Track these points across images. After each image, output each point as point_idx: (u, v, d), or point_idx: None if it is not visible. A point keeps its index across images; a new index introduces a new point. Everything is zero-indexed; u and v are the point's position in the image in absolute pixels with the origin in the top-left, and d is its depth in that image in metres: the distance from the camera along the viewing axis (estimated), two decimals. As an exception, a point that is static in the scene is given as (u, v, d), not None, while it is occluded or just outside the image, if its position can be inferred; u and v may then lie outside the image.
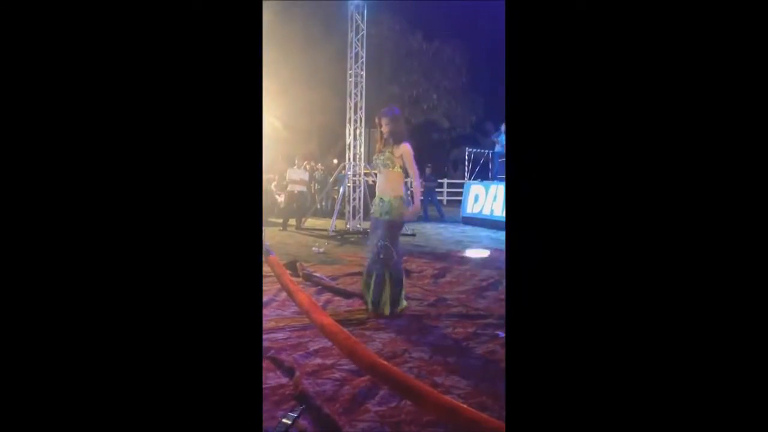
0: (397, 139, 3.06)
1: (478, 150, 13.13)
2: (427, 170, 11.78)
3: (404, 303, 3.23)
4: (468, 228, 9.32)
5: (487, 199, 9.57)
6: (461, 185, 12.45)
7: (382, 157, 3.07)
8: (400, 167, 3.07)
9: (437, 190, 14.53)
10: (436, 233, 8.43)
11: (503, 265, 5.30)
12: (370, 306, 3.15)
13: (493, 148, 11.82)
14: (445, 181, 17.78)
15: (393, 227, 3.05)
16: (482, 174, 13.08)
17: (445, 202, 16.49)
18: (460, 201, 11.53)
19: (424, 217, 11.14)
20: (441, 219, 10.90)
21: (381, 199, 3.09)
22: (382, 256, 3.03)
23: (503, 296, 3.87)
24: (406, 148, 3.05)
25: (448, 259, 5.62)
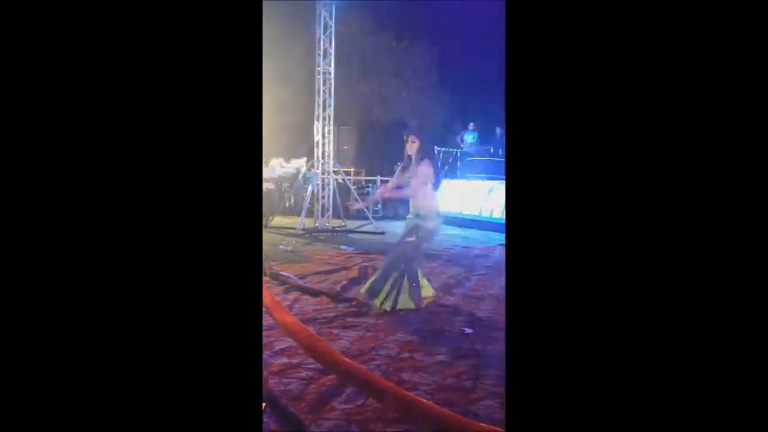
0: (422, 156, 3.21)
1: (447, 149, 13.25)
2: (397, 169, 11.81)
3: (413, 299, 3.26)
4: (437, 226, 9.36)
5: (455, 197, 9.66)
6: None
7: (408, 174, 3.22)
8: (431, 183, 3.20)
9: (407, 188, 14.58)
10: (405, 231, 8.45)
11: (471, 262, 5.35)
12: (378, 303, 3.20)
13: (460, 148, 11.94)
14: (415, 179, 17.81)
15: (425, 238, 3.23)
16: (451, 173, 13.21)
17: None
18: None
19: (394, 215, 11.16)
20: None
21: (417, 214, 3.21)
22: (405, 262, 3.18)
23: (471, 293, 3.91)
24: (427, 164, 3.19)
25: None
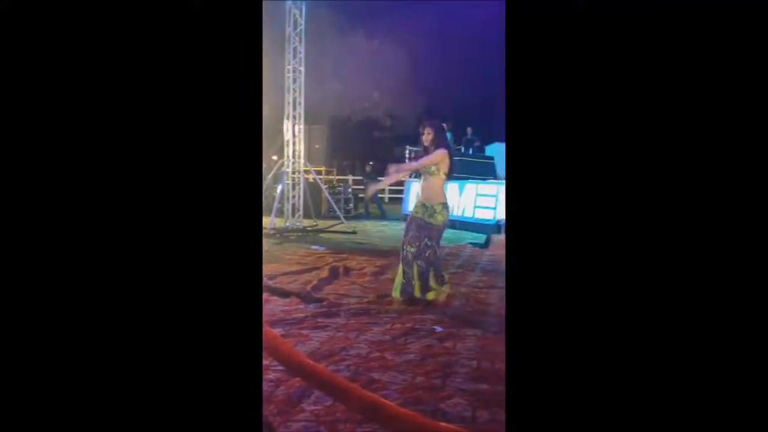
0: (438, 146, 3.33)
1: (419, 149, 13.32)
2: (368, 168, 11.80)
3: (443, 289, 3.41)
4: (409, 225, 9.40)
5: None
6: (403, 183, 12.57)
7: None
8: (444, 173, 3.33)
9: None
10: (377, 231, 8.45)
11: (442, 262, 5.39)
12: (400, 294, 3.37)
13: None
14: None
15: (437, 231, 3.35)
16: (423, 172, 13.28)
17: (386, 200, 16.58)
18: (401, 198, 11.63)
19: (365, 215, 11.15)
20: (382, 216, 10.94)
21: (424, 204, 3.37)
22: (428, 255, 3.31)
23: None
24: (443, 151, 3.33)
25: (389, 256, 5.64)
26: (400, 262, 3.45)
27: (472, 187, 8.50)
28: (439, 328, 2.89)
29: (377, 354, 2.42)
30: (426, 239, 3.33)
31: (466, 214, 8.55)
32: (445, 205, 3.39)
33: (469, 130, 11.40)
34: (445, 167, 3.32)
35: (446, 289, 3.45)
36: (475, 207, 8.34)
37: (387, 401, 1.60)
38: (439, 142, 3.36)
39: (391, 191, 17.50)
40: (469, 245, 6.77)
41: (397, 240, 7.19)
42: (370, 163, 12.15)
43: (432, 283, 3.37)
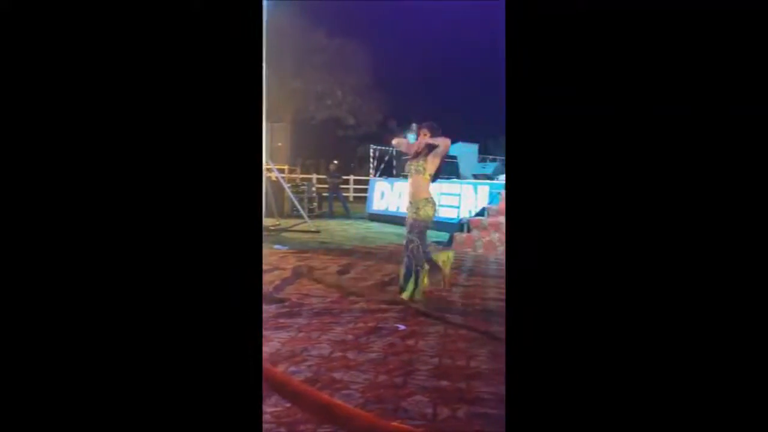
0: (431, 148, 3.52)
1: (383, 147, 13.35)
2: (332, 167, 11.73)
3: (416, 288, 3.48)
4: (374, 224, 9.41)
5: (393, 195, 9.74)
6: (367, 182, 12.57)
7: (415, 164, 3.52)
8: (429, 174, 3.53)
9: (343, 186, 14.52)
10: (341, 230, 8.42)
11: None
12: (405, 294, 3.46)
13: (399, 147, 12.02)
14: (351, 177, 17.84)
15: (421, 225, 3.48)
16: (387, 171, 13.31)
17: (351, 199, 16.54)
18: (366, 197, 11.62)
19: (329, 214, 11.09)
20: (347, 215, 10.91)
21: (411, 202, 3.56)
22: (411, 249, 3.45)
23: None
24: (448, 141, 3.61)
25: (352, 254, 5.62)
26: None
27: (435, 187, 8.58)
28: (402, 326, 2.90)
29: (339, 354, 2.41)
30: (411, 235, 3.48)
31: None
32: (428, 200, 3.51)
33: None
34: (432, 168, 3.50)
35: (421, 287, 3.52)
36: (439, 206, 8.42)
37: (340, 402, 1.59)
38: (434, 145, 3.52)
39: (356, 190, 17.49)
40: (433, 243, 6.83)
41: (361, 239, 7.19)
42: (334, 161, 12.07)
43: (423, 278, 3.50)
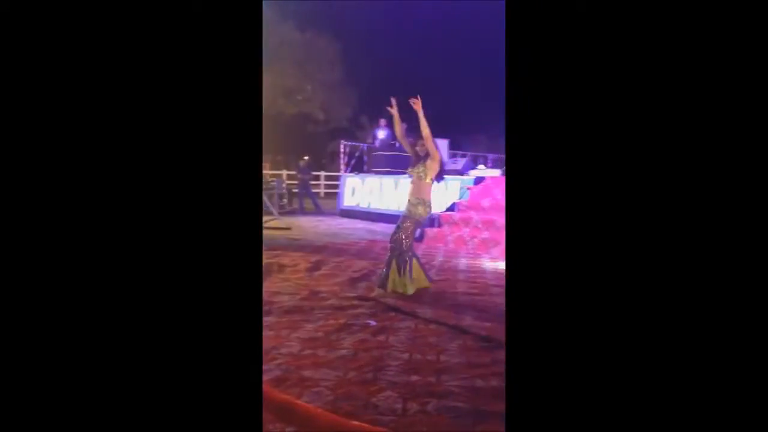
0: (429, 154, 3.70)
1: (354, 143, 13.30)
2: (302, 162, 11.62)
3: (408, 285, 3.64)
4: (345, 220, 9.38)
5: (364, 191, 9.73)
6: (338, 178, 12.51)
7: (417, 170, 3.74)
8: (430, 179, 3.74)
9: (313, 182, 14.41)
10: (312, 226, 8.36)
11: (377, 255, 5.41)
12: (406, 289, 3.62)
13: (373, 142, 12.00)
14: (322, 173, 17.73)
15: (413, 222, 3.71)
16: (358, 167, 13.28)
17: (322, 195, 16.44)
18: (337, 193, 11.57)
19: (300, 210, 10.99)
20: (317, 211, 10.83)
21: (409, 200, 3.78)
22: (396, 239, 3.66)
23: (376, 285, 3.94)
24: (436, 161, 3.72)
25: (323, 251, 5.59)
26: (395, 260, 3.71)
27: (407, 183, 8.60)
28: (372, 322, 2.90)
29: (309, 351, 2.39)
30: (402, 229, 3.67)
31: (401, 209, 8.64)
32: (425, 202, 3.71)
33: (404, 126, 11.52)
34: (432, 173, 3.70)
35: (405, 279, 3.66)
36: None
37: (301, 402, 1.58)
38: (432, 150, 3.70)
39: (327, 186, 17.39)
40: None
41: (332, 235, 7.16)
42: (305, 157, 11.96)
43: (415, 274, 3.67)
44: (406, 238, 3.68)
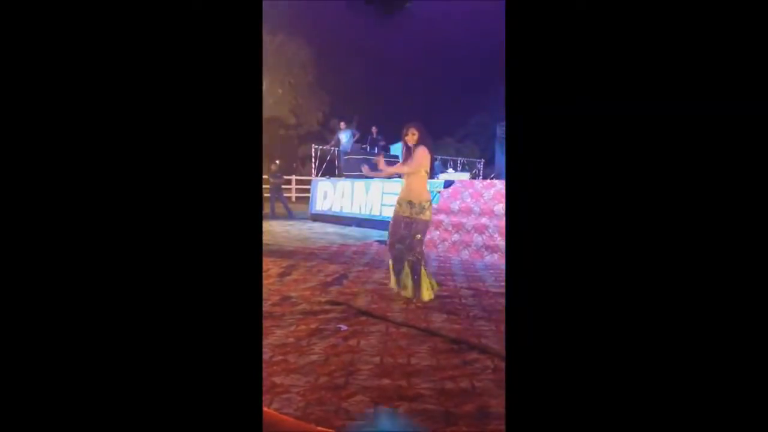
0: (417, 145, 3.47)
1: (325, 147, 13.25)
2: (273, 167, 11.51)
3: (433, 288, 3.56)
4: (316, 225, 9.34)
5: (336, 195, 9.71)
6: (309, 182, 12.44)
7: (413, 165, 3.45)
8: (425, 171, 3.47)
9: (285, 186, 14.28)
10: (283, 230, 8.29)
11: (348, 259, 5.41)
12: (412, 293, 3.51)
13: (336, 147, 11.98)
14: (294, 177, 17.59)
15: (424, 226, 3.52)
16: (329, 171, 13.22)
17: (293, 199, 16.31)
18: (308, 198, 11.50)
19: (271, 215, 10.88)
20: (288, 216, 10.75)
21: (410, 202, 3.50)
22: (419, 251, 3.50)
23: (347, 289, 3.95)
24: (424, 149, 3.47)
25: (294, 256, 5.55)
26: (391, 261, 3.63)
27: (378, 186, 8.63)
28: (344, 327, 2.90)
29: (280, 357, 2.38)
30: (418, 234, 3.50)
31: (373, 212, 8.67)
32: (430, 203, 3.54)
33: (374, 129, 11.55)
34: (426, 165, 3.48)
35: (434, 285, 3.59)
36: (382, 205, 8.48)
37: (268, 410, 1.58)
38: (421, 143, 3.48)
39: (298, 190, 17.26)
40: (376, 242, 6.88)
41: (303, 240, 7.11)
42: (276, 161, 11.86)
43: (429, 279, 3.54)
44: (422, 242, 3.51)
